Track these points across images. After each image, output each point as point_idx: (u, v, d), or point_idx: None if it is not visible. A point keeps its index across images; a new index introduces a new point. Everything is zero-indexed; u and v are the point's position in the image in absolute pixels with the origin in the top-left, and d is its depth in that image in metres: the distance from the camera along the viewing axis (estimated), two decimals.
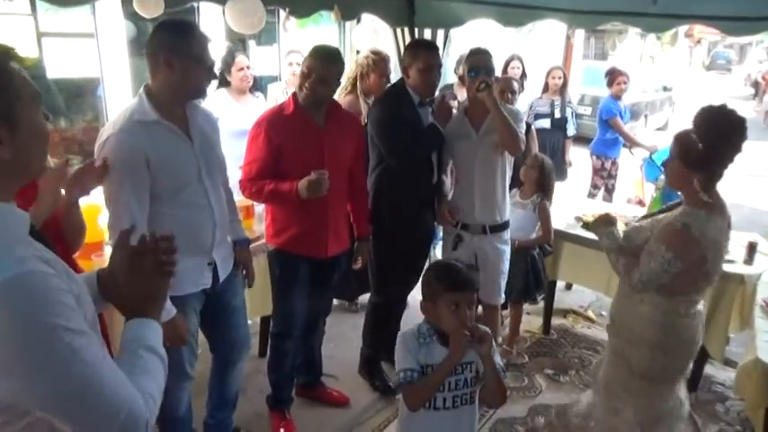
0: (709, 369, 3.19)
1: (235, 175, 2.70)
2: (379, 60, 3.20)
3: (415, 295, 3.67)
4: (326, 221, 2.42)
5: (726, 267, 2.91)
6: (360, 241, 2.70)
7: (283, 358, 2.58)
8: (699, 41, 29.40)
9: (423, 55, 2.61)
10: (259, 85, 3.86)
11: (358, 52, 4.88)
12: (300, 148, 2.33)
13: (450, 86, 4.46)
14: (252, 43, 4.57)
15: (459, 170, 2.75)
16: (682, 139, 1.94)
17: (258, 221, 2.88)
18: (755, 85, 17.99)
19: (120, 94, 4.50)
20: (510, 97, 3.25)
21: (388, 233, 2.74)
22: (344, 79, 3.24)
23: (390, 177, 2.68)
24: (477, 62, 2.60)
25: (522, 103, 5.09)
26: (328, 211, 2.40)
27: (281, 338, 2.57)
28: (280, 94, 3.86)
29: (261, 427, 2.64)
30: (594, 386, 2.32)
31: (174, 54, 1.77)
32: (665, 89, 12.10)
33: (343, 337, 3.36)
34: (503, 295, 2.91)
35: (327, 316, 2.77)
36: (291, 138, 2.32)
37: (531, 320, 3.66)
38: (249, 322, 3.22)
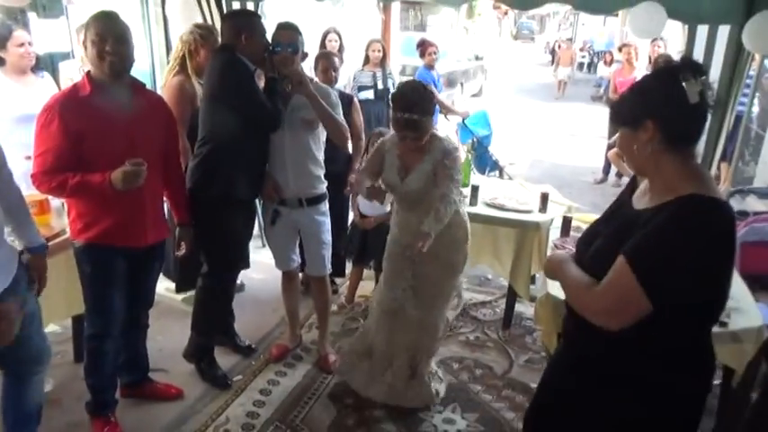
0: (519, 307, 3.60)
1: (23, 166, 2.40)
2: (207, 34, 3.01)
3: (249, 274, 3.69)
4: (143, 209, 2.27)
5: (524, 216, 3.32)
6: (182, 227, 2.58)
7: (102, 360, 2.39)
8: (506, 13, 32.18)
9: (259, 22, 2.60)
10: (45, 64, 3.42)
11: (165, 20, 4.54)
12: (105, 133, 2.13)
13: None
14: (33, 16, 4.01)
15: (270, 145, 2.71)
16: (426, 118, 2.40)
17: (57, 216, 2.61)
18: (553, 52, 20.27)
19: None
20: (333, 75, 3.25)
21: (216, 214, 2.63)
22: (171, 59, 3.09)
23: (223, 156, 2.56)
24: (281, 37, 2.56)
25: (343, 76, 5.21)
26: (144, 198, 2.25)
27: (98, 339, 2.37)
28: (75, 72, 3.47)
29: None
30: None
31: None
32: (477, 58, 13.11)
33: (171, 327, 3.21)
34: (329, 266, 2.97)
35: (150, 308, 2.61)
36: (93, 123, 2.11)
37: (365, 285, 3.81)
38: (58, 328, 2.97)
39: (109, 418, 2.45)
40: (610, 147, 6.05)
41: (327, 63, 3.32)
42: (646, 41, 6.67)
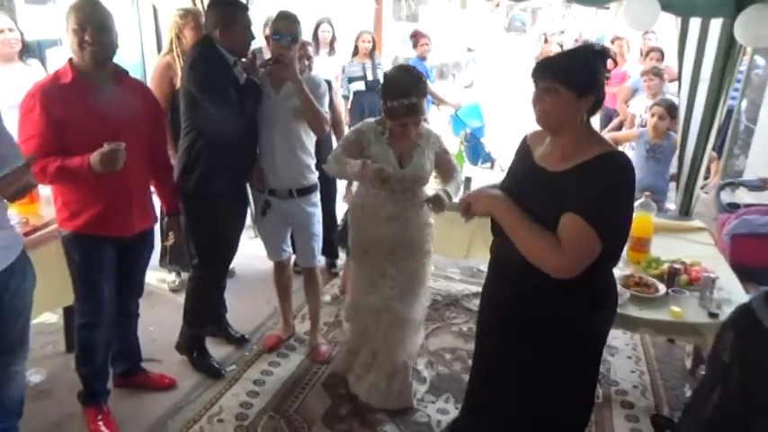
0: None
1: None
2: (184, 15, 3.10)
3: (241, 264, 3.67)
4: (129, 197, 2.26)
5: None
6: (170, 216, 2.58)
7: (94, 350, 2.38)
8: (498, 5, 32.07)
9: (241, 15, 2.53)
10: (33, 51, 3.36)
11: (155, 8, 4.55)
12: (88, 121, 2.11)
13: (260, 50, 4.33)
14: (20, 1, 3.93)
15: (259, 132, 2.69)
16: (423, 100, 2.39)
17: (46, 205, 2.58)
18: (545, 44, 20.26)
19: None
20: (306, 64, 3.24)
21: (196, 207, 2.62)
22: (167, 41, 3.20)
23: (211, 145, 2.54)
24: (281, 27, 2.53)
25: (335, 66, 5.20)
26: (130, 185, 2.24)
27: (88, 329, 2.35)
28: (64, 60, 3.43)
29: (75, 428, 2.42)
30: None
31: None
32: (469, 50, 13.11)
33: (165, 318, 3.19)
34: (319, 257, 2.97)
35: (141, 298, 2.60)
36: (75, 111, 2.10)
37: None
38: (54, 318, 2.94)
39: (102, 408, 2.43)
40: None
41: (302, 51, 3.26)
42: (637, 34, 6.69)
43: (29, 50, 3.20)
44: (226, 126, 2.49)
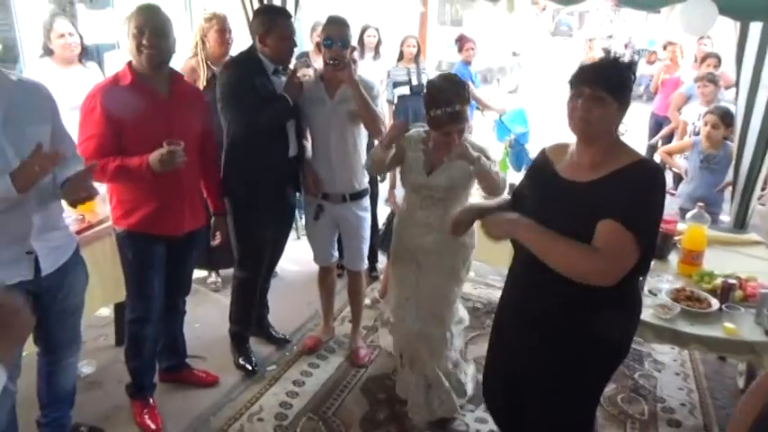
0: None
1: None
2: (209, 18, 3.17)
3: (283, 266, 3.72)
4: (182, 197, 2.33)
5: None
6: (216, 216, 2.64)
7: (142, 344, 2.46)
8: (544, 8, 31.53)
9: (281, 23, 2.57)
10: (92, 54, 3.51)
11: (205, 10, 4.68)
12: (146, 122, 2.18)
13: (306, 54, 4.40)
14: (81, 6, 4.12)
15: (314, 137, 2.74)
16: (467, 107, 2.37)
17: (102, 203, 2.67)
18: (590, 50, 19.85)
19: None
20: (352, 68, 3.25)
21: (244, 208, 2.68)
22: (191, 46, 3.23)
23: (243, 151, 2.60)
24: (332, 32, 2.56)
25: (380, 70, 5.22)
26: (183, 185, 2.31)
27: (138, 324, 2.43)
28: (122, 64, 3.57)
29: (122, 419, 2.50)
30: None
31: None
32: (514, 54, 12.95)
33: (209, 316, 3.26)
34: (366, 261, 2.98)
35: (188, 295, 2.66)
36: (134, 111, 2.16)
37: None
38: (107, 312, 3.04)
39: (148, 401, 2.51)
40: (651, 147, 5.89)
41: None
42: (691, 39, 6.47)
43: (87, 54, 3.33)
44: (239, 130, 2.55)
